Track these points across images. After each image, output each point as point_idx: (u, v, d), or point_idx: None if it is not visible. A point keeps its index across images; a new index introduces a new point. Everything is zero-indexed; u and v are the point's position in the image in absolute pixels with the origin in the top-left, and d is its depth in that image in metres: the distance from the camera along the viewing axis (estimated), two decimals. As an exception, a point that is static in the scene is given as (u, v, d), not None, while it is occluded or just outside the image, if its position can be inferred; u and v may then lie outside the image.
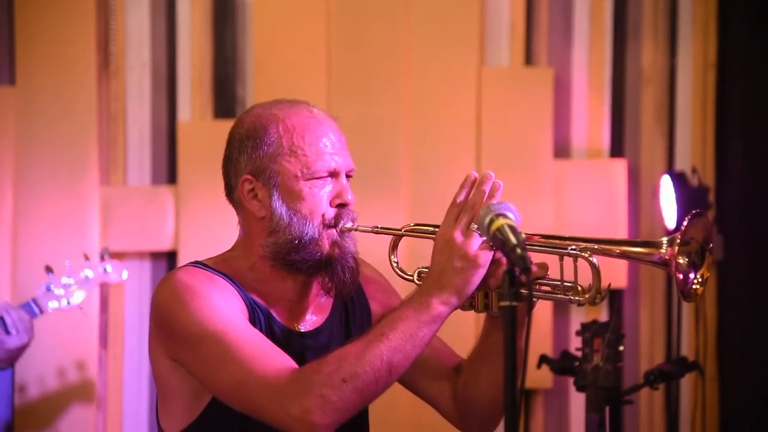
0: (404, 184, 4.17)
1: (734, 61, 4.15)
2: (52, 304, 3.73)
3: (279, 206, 2.19)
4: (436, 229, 2.13)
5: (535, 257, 1.94)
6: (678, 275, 2.05)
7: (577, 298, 2.09)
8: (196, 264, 2.23)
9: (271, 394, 2.05)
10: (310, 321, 2.29)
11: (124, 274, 3.86)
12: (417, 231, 2.21)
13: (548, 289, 2.12)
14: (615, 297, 4.18)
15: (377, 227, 2.22)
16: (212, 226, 4.06)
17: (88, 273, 3.79)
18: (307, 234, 2.18)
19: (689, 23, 4.22)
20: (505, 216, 1.94)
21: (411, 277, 2.22)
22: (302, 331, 2.26)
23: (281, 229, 2.19)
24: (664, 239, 2.05)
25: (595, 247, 2.08)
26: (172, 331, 2.15)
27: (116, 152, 4.22)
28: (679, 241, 2.03)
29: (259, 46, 4.22)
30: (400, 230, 2.23)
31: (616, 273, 4.10)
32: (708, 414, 4.05)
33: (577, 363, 3.25)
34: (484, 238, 2.04)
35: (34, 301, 3.70)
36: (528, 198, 4.11)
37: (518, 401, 1.81)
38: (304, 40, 4.21)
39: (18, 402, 4.05)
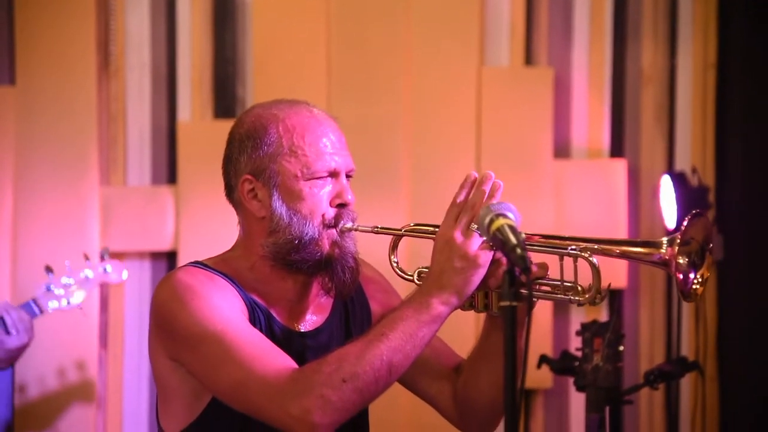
0: (404, 184, 4.17)
1: (734, 61, 4.15)
2: (52, 304, 3.73)
3: (279, 206, 2.19)
4: (436, 229, 2.13)
5: (535, 257, 1.94)
6: (678, 275, 2.05)
7: (577, 298, 2.09)
8: (196, 264, 2.23)
9: (271, 394, 2.05)
10: (310, 321, 2.29)
11: (124, 274, 3.86)
12: (417, 231, 2.21)
13: (548, 289, 2.12)
14: (615, 297, 4.18)
15: (377, 227, 2.22)
16: (212, 226, 4.07)
17: (88, 273, 3.79)
18: (307, 234, 2.18)
19: (689, 23, 4.22)
20: (505, 216, 1.94)
21: (411, 277, 2.22)
22: (302, 331, 2.26)
23: (281, 229, 2.19)
24: (664, 239, 2.05)
25: (595, 247, 2.08)
26: (172, 331, 2.15)
27: (116, 152, 4.23)
28: (679, 241, 2.03)
29: (259, 46, 4.22)
30: (400, 230, 2.23)
31: (616, 273, 4.10)
32: (708, 414, 4.05)
33: (577, 363, 3.25)
34: (484, 238, 2.04)
35: (34, 301, 3.70)
36: (528, 198, 4.11)
37: (518, 401, 1.81)
38: (304, 40, 4.21)
39: (18, 402, 4.06)
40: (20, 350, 3.65)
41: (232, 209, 2.29)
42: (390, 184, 4.16)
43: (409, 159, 4.18)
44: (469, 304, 2.13)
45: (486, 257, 2.05)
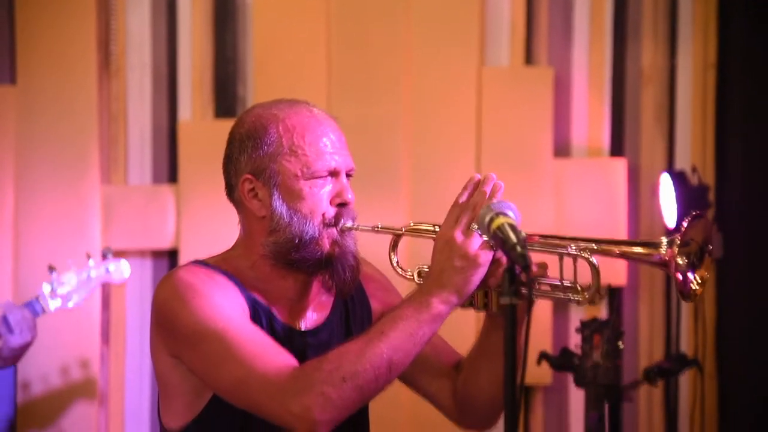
0: (404, 184, 4.18)
1: (734, 60, 4.16)
2: (55, 303, 3.74)
3: (279, 206, 2.20)
4: (437, 229, 2.13)
5: (535, 257, 1.94)
6: (677, 276, 2.06)
7: (576, 297, 2.10)
8: (197, 262, 2.24)
9: (272, 392, 2.05)
10: (311, 319, 2.29)
11: (127, 273, 3.87)
12: (417, 230, 2.22)
13: (548, 288, 2.13)
14: (614, 294, 4.19)
15: (377, 226, 2.23)
16: (213, 225, 4.08)
17: (91, 272, 3.80)
18: (307, 233, 2.19)
19: (689, 23, 4.23)
20: (505, 214, 1.95)
21: (411, 276, 2.23)
22: (303, 329, 2.26)
23: (281, 229, 2.20)
24: (664, 240, 2.06)
25: (595, 247, 2.08)
26: (173, 329, 2.16)
27: (117, 151, 4.24)
28: (678, 242, 2.04)
29: (260, 46, 4.23)
30: (401, 229, 2.23)
31: (615, 271, 4.11)
32: (707, 411, 4.05)
33: (576, 360, 3.26)
34: (485, 238, 2.05)
35: (37, 299, 3.72)
36: (528, 197, 4.12)
37: (518, 397, 1.82)
38: (304, 40, 4.22)
39: (21, 399, 4.07)
40: (23, 349, 3.67)
41: (233, 208, 2.30)
42: (390, 184, 4.16)
43: (409, 158, 4.19)
44: (468, 302, 2.13)
45: (486, 257, 2.06)
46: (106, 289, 4.15)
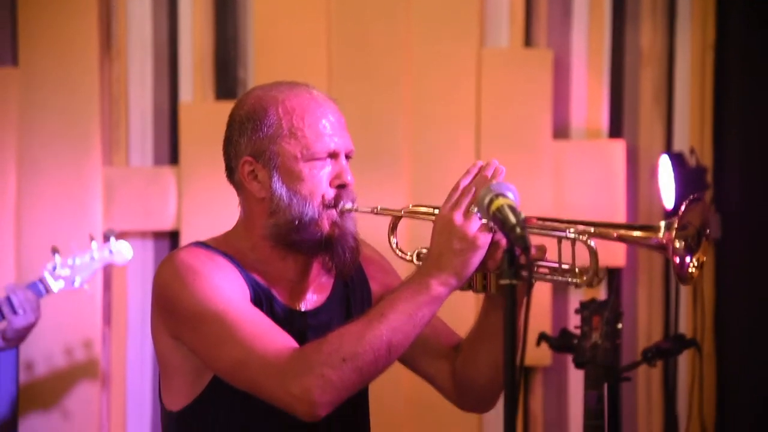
0: (404, 166, 4.18)
1: (733, 42, 4.15)
2: (58, 284, 3.76)
3: (279, 187, 2.20)
4: (436, 211, 2.14)
5: (534, 240, 1.94)
6: (675, 259, 2.06)
7: (575, 280, 2.10)
8: (198, 244, 2.25)
9: (272, 373, 2.06)
10: (311, 300, 2.30)
11: (129, 255, 3.88)
12: (417, 212, 2.22)
13: (546, 271, 2.13)
14: (613, 276, 4.20)
15: (377, 208, 2.24)
16: (214, 207, 4.09)
17: (94, 254, 3.82)
18: (307, 214, 2.20)
19: (688, 5, 4.22)
20: (504, 196, 1.95)
21: (410, 258, 2.24)
22: (303, 310, 2.27)
23: (281, 210, 2.20)
24: (662, 223, 2.06)
25: (593, 230, 2.08)
26: (174, 311, 2.17)
27: (119, 133, 4.24)
28: (676, 225, 2.04)
29: (260, 28, 4.23)
30: (400, 211, 2.24)
31: (614, 252, 4.12)
32: (705, 390, 4.07)
33: (575, 341, 3.26)
34: (484, 221, 2.05)
35: (41, 281, 3.74)
36: (527, 178, 4.12)
37: (517, 378, 1.83)
38: (305, 21, 4.22)
39: (24, 380, 4.09)
40: (27, 329, 3.69)
41: (233, 190, 2.30)
42: (390, 166, 4.17)
43: (408, 140, 4.19)
44: (467, 285, 2.14)
45: (485, 239, 2.06)
46: (108, 271, 4.16)
